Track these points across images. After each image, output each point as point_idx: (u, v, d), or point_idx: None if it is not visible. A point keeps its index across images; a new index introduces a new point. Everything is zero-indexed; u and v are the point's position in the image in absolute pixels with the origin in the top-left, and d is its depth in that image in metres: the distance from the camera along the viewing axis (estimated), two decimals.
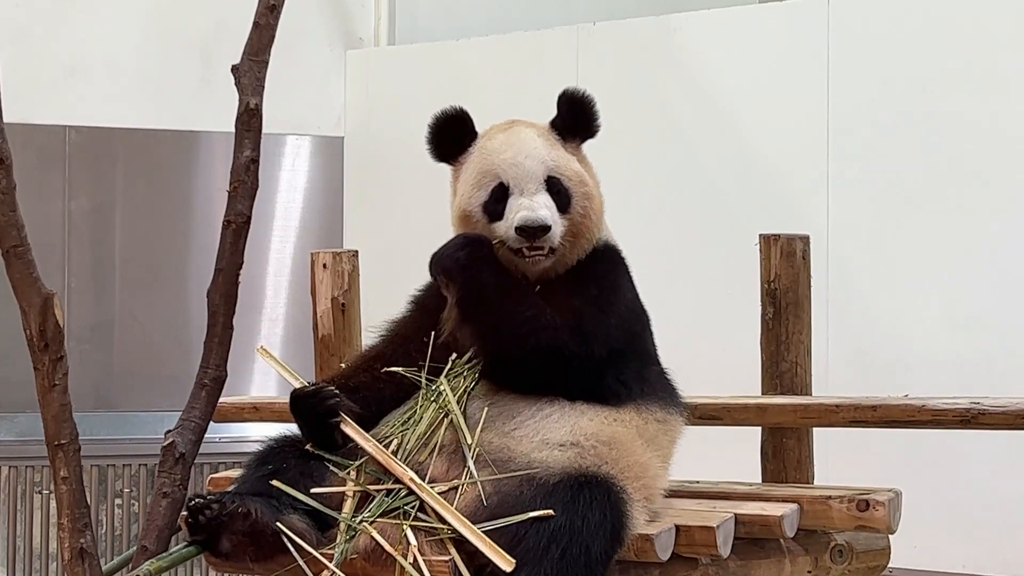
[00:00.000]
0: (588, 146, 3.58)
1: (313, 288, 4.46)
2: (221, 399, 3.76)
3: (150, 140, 6.91)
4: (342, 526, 3.17)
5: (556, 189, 3.42)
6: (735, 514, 3.50)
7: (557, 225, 3.38)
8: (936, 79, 5.76)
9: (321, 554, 3.13)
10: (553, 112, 3.55)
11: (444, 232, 3.55)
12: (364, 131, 7.17)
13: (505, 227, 3.39)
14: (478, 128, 3.58)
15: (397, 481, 3.20)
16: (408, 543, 3.08)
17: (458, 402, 3.32)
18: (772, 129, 6.12)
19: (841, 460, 5.08)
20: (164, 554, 3.36)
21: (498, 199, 3.42)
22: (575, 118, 3.52)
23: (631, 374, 3.42)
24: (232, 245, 3.69)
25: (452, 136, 3.56)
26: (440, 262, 3.35)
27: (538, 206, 3.36)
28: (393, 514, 3.15)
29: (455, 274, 3.32)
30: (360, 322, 4.43)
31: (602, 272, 3.48)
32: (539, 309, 3.31)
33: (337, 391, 3.36)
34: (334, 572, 3.10)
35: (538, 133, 3.50)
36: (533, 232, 3.34)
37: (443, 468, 3.23)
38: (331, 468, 3.29)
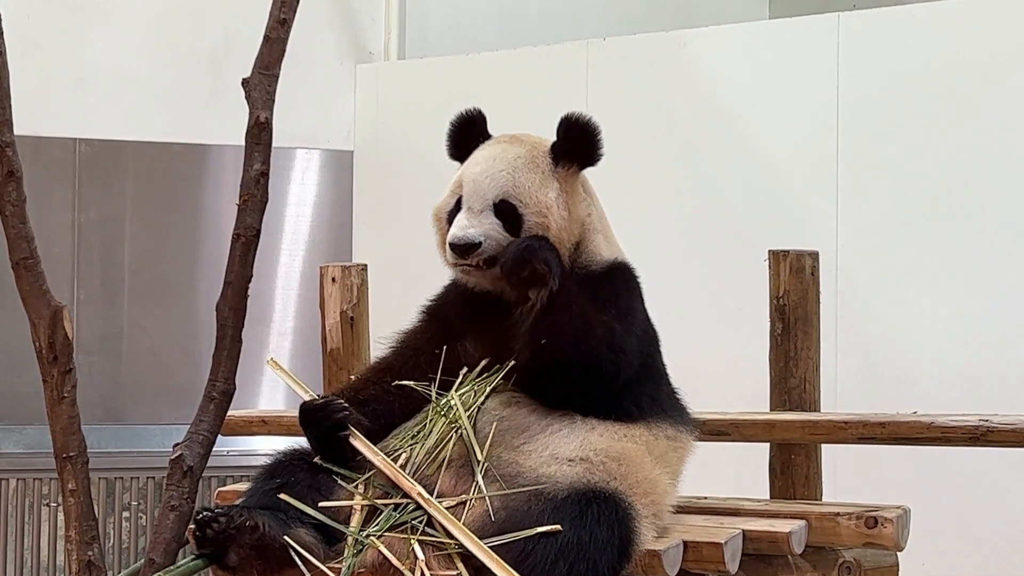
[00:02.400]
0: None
1: (322, 302, 4.47)
2: (229, 412, 3.76)
3: (160, 153, 6.91)
4: (350, 540, 3.17)
5: (507, 213, 3.43)
6: (743, 530, 3.50)
7: (493, 241, 3.40)
8: (946, 95, 5.76)
9: (329, 568, 3.13)
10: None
11: None
12: (374, 145, 7.17)
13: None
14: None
15: (405, 495, 3.20)
16: (416, 557, 3.08)
17: (468, 416, 3.32)
18: (781, 145, 6.12)
19: (849, 476, 5.08)
20: (171, 567, 3.36)
21: (457, 209, 3.48)
22: (572, 144, 3.51)
23: (644, 393, 3.44)
24: (241, 258, 3.69)
25: (466, 136, 3.62)
26: (538, 253, 3.29)
27: (469, 225, 3.41)
28: (401, 528, 3.15)
29: (554, 267, 3.28)
30: (369, 336, 4.43)
31: (616, 293, 3.48)
32: (590, 314, 3.32)
33: (346, 404, 3.36)
34: None
35: (522, 154, 3.50)
36: (462, 249, 3.39)
37: (451, 483, 3.23)
38: (339, 482, 3.29)
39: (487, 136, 3.62)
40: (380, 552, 3.12)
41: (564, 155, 3.51)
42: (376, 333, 4.00)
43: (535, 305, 3.28)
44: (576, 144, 3.50)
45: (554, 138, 3.54)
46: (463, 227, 3.40)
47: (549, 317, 3.27)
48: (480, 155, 3.53)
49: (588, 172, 3.59)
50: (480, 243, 3.39)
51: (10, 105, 3.51)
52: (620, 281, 3.53)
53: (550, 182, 3.47)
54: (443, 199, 3.56)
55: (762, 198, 6.13)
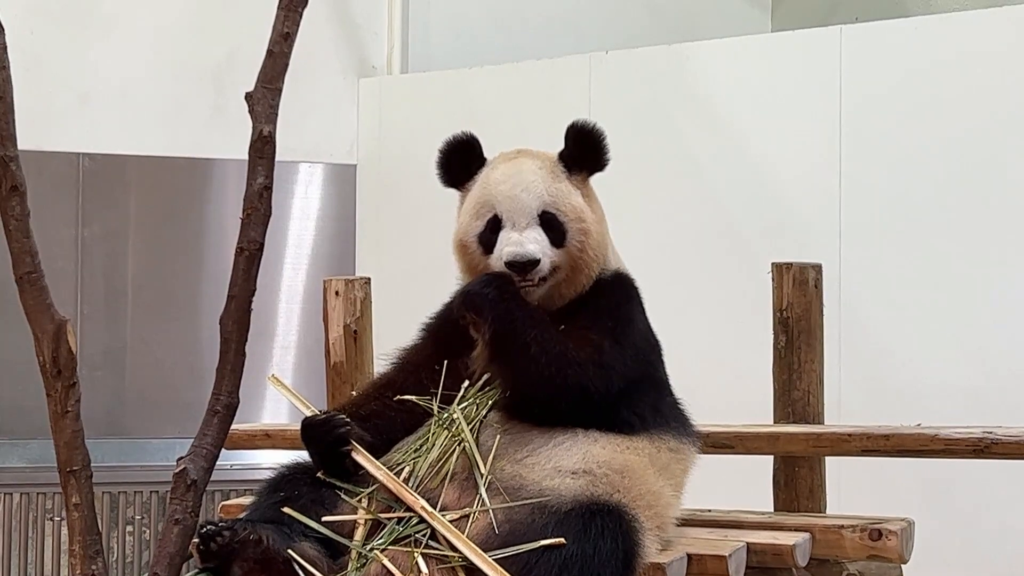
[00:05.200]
0: (600, 173, 3.58)
1: (325, 315, 4.47)
2: (233, 426, 3.75)
3: (163, 167, 6.92)
4: (353, 554, 3.17)
5: (551, 224, 3.43)
6: (747, 543, 3.50)
7: (547, 258, 3.40)
8: (948, 107, 5.76)
9: None
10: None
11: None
12: (377, 159, 7.18)
13: (496, 260, 3.41)
14: (488, 155, 3.60)
15: (408, 509, 3.20)
16: (419, 571, 3.08)
17: (471, 430, 3.32)
18: (784, 157, 6.12)
19: (853, 489, 5.07)
20: None
21: (493, 230, 3.45)
22: (582, 151, 3.52)
23: (646, 404, 3.43)
24: (245, 272, 3.69)
25: (461, 162, 3.59)
26: (469, 300, 3.32)
27: (526, 240, 3.38)
28: (404, 542, 3.15)
29: (486, 311, 3.29)
30: (372, 349, 4.44)
31: (616, 303, 3.48)
32: (565, 345, 3.30)
33: (348, 419, 3.36)
34: None
35: (541, 165, 3.50)
36: (522, 267, 3.37)
37: (455, 496, 3.22)
38: (342, 496, 3.29)
39: (483, 159, 3.60)
40: (384, 566, 3.11)
41: (575, 162, 3.52)
42: (380, 347, 4.01)
43: (482, 351, 3.33)
44: (585, 150, 3.52)
45: (554, 152, 3.54)
46: (519, 243, 3.38)
47: (511, 362, 3.30)
48: (500, 173, 3.50)
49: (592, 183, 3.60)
50: (540, 260, 3.38)
51: (14, 120, 3.51)
52: (621, 291, 3.54)
53: (573, 189, 3.49)
54: (466, 224, 3.51)
55: (765, 211, 6.13)
